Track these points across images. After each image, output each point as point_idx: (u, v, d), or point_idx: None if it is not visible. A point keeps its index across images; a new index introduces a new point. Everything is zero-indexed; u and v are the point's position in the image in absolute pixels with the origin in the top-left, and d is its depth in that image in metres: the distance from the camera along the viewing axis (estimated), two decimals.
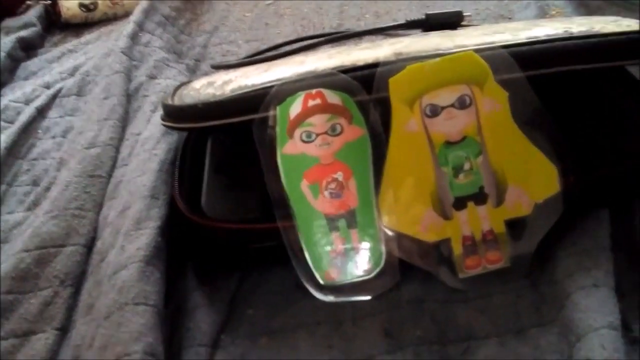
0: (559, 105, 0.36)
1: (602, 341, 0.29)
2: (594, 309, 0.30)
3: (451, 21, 0.45)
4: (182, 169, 0.42)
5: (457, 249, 0.35)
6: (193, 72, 0.60)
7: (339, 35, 0.47)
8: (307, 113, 0.35)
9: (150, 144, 0.43)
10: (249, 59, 0.52)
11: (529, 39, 0.36)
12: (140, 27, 0.61)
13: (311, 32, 0.63)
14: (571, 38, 0.35)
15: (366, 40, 0.50)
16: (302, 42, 0.52)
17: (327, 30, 0.63)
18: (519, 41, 0.35)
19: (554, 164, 0.35)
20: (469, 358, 0.32)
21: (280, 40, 0.61)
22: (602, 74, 0.40)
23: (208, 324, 0.35)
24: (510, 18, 0.62)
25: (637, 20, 0.39)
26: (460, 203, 0.35)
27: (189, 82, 0.42)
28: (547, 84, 0.35)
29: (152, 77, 0.54)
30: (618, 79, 0.42)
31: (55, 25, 0.73)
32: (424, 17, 0.46)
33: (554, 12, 0.63)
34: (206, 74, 0.54)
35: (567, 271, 0.34)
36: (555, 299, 0.33)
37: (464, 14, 0.45)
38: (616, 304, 0.31)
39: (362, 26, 0.63)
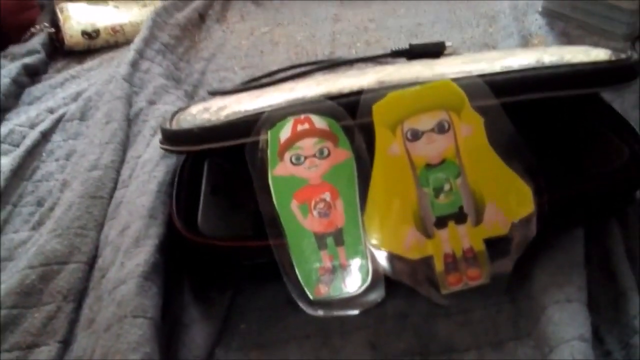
0: (533, 129, 0.39)
1: (572, 352, 0.31)
2: (566, 322, 0.32)
3: (434, 50, 0.47)
4: (180, 190, 0.44)
5: (439, 266, 0.37)
6: (191, 97, 0.62)
7: (328, 63, 0.50)
8: (296, 137, 0.37)
9: (149, 167, 0.45)
10: (244, 86, 0.54)
11: (503, 68, 0.38)
12: (140, 54, 0.64)
13: (304, 60, 0.66)
14: (542, 68, 0.38)
15: (355, 68, 0.53)
16: (295, 70, 0.55)
17: (319, 58, 0.66)
18: (493, 70, 0.38)
19: (528, 184, 0.37)
20: None
21: (274, 67, 0.64)
22: (575, 99, 0.42)
23: (202, 338, 0.37)
24: (494, 47, 0.65)
25: (605, 50, 0.42)
26: (441, 222, 0.37)
27: (186, 107, 0.45)
28: (522, 109, 0.37)
29: (151, 103, 0.56)
30: (591, 104, 0.44)
31: (59, 52, 0.76)
32: (408, 47, 0.49)
33: (535, 42, 0.67)
34: (203, 99, 0.56)
35: (543, 287, 0.36)
36: (531, 313, 0.35)
37: (446, 44, 0.48)
38: (587, 317, 0.33)
39: (353, 54, 0.66)
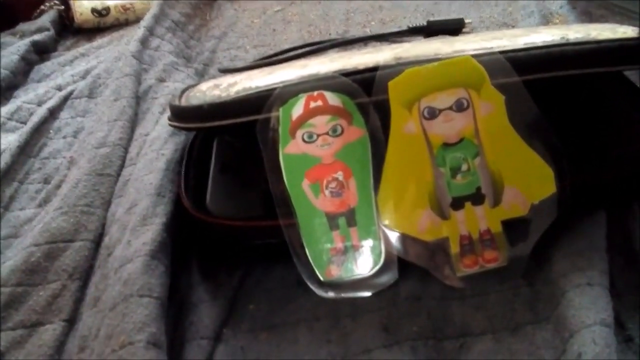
0: (557, 109, 0.37)
1: (594, 337, 0.29)
2: (587, 307, 0.31)
3: (452, 28, 0.46)
4: (188, 168, 0.43)
5: (455, 248, 0.36)
6: (201, 75, 0.61)
7: (343, 41, 0.48)
8: (308, 114, 0.36)
9: (157, 144, 0.45)
10: (256, 63, 0.53)
11: (526, 44, 0.37)
12: (150, 32, 0.63)
13: (317, 38, 0.64)
14: (567, 44, 0.36)
15: (370, 46, 0.51)
16: (308, 48, 0.53)
17: (333, 37, 0.64)
18: (515, 47, 0.36)
19: (550, 165, 0.35)
20: (464, 353, 0.33)
21: (286, 46, 0.62)
22: (599, 78, 0.41)
23: (210, 318, 0.36)
24: (513, 26, 0.63)
25: (634, 27, 0.40)
26: (457, 203, 0.36)
27: (196, 84, 0.44)
28: (545, 88, 0.35)
29: (161, 80, 0.55)
30: (615, 84, 0.43)
31: (68, 29, 0.75)
32: (425, 24, 0.47)
33: (556, 21, 0.64)
34: (214, 77, 0.55)
35: (563, 270, 0.34)
36: (550, 297, 0.34)
37: (466, 21, 0.46)
38: (609, 302, 0.32)
39: (367, 33, 0.65)
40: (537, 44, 0.37)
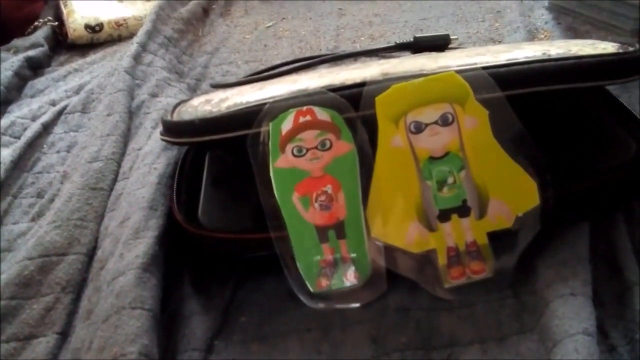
0: (542, 123, 0.38)
1: (576, 346, 0.30)
2: (571, 316, 0.32)
3: (438, 44, 0.47)
4: (180, 182, 0.43)
5: (442, 259, 0.37)
6: (194, 91, 0.62)
7: (332, 56, 0.49)
8: (298, 129, 0.37)
9: (150, 159, 0.45)
10: (247, 79, 0.54)
11: (509, 60, 0.38)
12: (143, 48, 0.64)
13: (308, 54, 0.66)
14: (548, 60, 0.37)
15: (359, 62, 0.52)
16: (298, 63, 0.55)
17: (323, 52, 0.65)
18: (498, 63, 0.37)
19: (534, 178, 0.36)
20: None
21: (278, 61, 0.63)
22: (582, 93, 0.42)
23: (202, 330, 0.37)
24: (500, 41, 0.64)
25: (614, 44, 0.41)
26: (444, 215, 0.37)
27: (188, 99, 0.45)
28: (528, 102, 0.37)
29: (153, 96, 0.56)
30: (598, 99, 0.44)
31: (62, 45, 0.76)
32: (412, 40, 0.48)
33: (542, 36, 0.66)
34: (206, 92, 0.56)
35: (547, 281, 0.35)
36: (535, 307, 0.35)
37: (451, 37, 0.48)
38: (592, 311, 0.33)
39: (357, 48, 0.66)
40: (519, 59, 0.38)
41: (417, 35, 0.49)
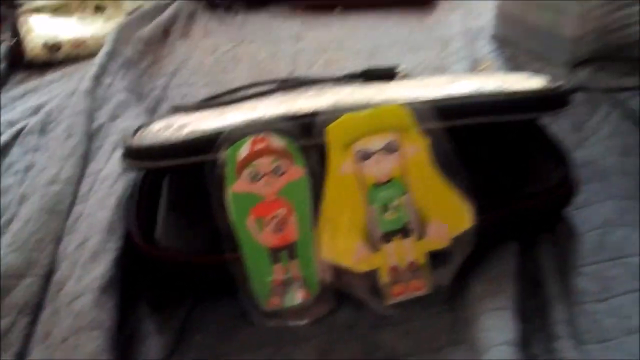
0: (474, 152, 0.42)
1: (500, 355, 0.33)
2: (496, 328, 0.35)
3: (387, 74, 0.51)
4: (139, 205, 0.45)
5: (385, 278, 0.40)
6: (153, 113, 0.64)
7: (288, 84, 0.52)
8: (254, 155, 0.39)
9: (109, 182, 0.47)
10: (206, 102, 0.56)
11: (449, 94, 0.41)
12: (103, 69, 0.65)
13: (266, 78, 0.68)
14: (482, 95, 0.41)
15: (313, 89, 0.55)
16: (255, 88, 0.57)
17: (280, 76, 0.68)
18: (439, 96, 0.41)
19: (468, 202, 0.40)
20: None
21: (236, 84, 0.66)
22: (512, 124, 0.46)
23: (157, 350, 0.38)
24: (445, 70, 0.69)
25: (542, 79, 0.45)
26: (387, 237, 0.40)
27: (148, 124, 0.46)
28: (465, 133, 0.40)
29: (113, 118, 0.57)
30: (527, 129, 0.48)
31: (19, 64, 0.76)
32: (361, 71, 0.52)
33: (484, 65, 0.71)
34: (167, 116, 0.58)
35: (478, 296, 0.39)
36: (467, 320, 0.38)
37: (398, 68, 0.51)
38: (516, 324, 0.36)
39: (313, 73, 0.69)
40: (457, 94, 0.42)
41: (366, 67, 0.53)
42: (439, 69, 0.69)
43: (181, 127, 0.43)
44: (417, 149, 0.40)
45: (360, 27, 0.81)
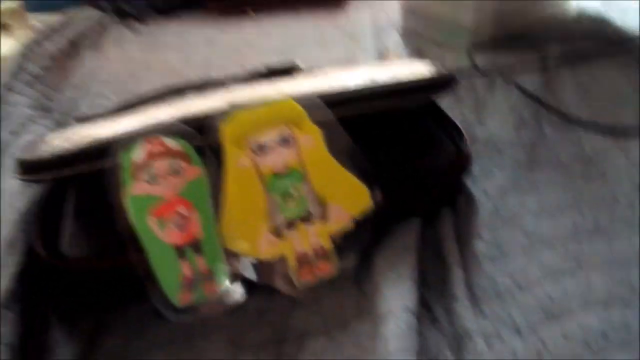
0: (374, 134, 0.44)
1: (397, 322, 0.35)
2: (394, 297, 0.37)
3: (288, 71, 0.52)
4: (42, 216, 0.44)
5: (293, 263, 0.41)
6: (62, 126, 0.62)
7: (181, 88, 0.53)
8: (149, 158, 0.40)
9: (10, 197, 0.46)
10: (108, 112, 0.55)
11: (339, 86, 0.43)
12: (8, 88, 0.64)
13: (183, 82, 0.68)
14: (371, 86, 0.43)
15: (212, 90, 0.56)
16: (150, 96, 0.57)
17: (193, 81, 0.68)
18: (329, 88, 0.43)
19: (365, 184, 0.42)
20: (301, 353, 0.37)
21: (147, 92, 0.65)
22: (411, 107, 0.48)
23: (68, 358, 0.38)
24: (355, 63, 0.71)
25: (430, 66, 0.48)
26: (291, 224, 0.41)
27: (44, 137, 0.46)
28: (359, 119, 0.42)
29: (15, 134, 0.56)
30: (425, 110, 0.51)
31: None
32: (264, 69, 0.54)
33: (391, 57, 0.74)
34: (64, 128, 0.57)
35: (381, 270, 0.41)
36: (372, 294, 0.40)
37: (299, 64, 0.53)
38: (414, 291, 0.38)
39: (227, 74, 0.69)
40: (348, 85, 0.44)
41: (268, 64, 0.54)
42: (349, 63, 0.71)
43: (77, 136, 0.43)
44: (311, 139, 0.41)
45: (273, 28, 0.83)
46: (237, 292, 0.41)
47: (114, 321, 0.41)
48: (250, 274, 0.40)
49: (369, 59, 0.71)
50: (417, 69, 0.48)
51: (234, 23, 0.84)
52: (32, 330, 0.39)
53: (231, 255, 0.41)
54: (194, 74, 0.72)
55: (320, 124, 0.41)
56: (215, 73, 0.71)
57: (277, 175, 0.41)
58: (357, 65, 0.62)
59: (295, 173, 0.41)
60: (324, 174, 0.42)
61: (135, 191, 0.40)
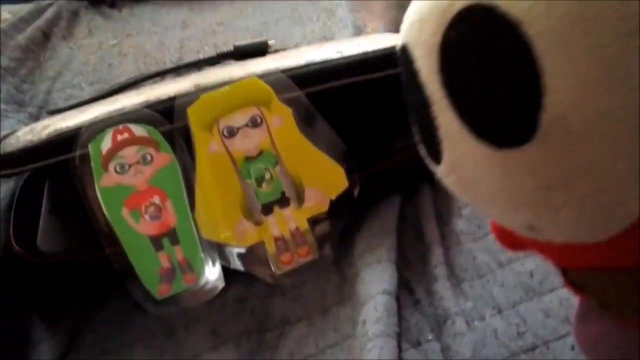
0: (344, 113, 0.43)
1: (376, 305, 0.35)
2: (373, 281, 0.37)
3: (258, 50, 0.51)
4: (18, 214, 0.44)
5: (271, 249, 0.40)
6: (36, 119, 0.61)
7: (151, 74, 0.51)
8: (117, 147, 0.39)
9: None
10: (80, 102, 0.54)
11: (306, 62, 0.42)
12: None
13: (153, 69, 0.67)
14: (340, 58, 0.42)
15: (180, 76, 0.55)
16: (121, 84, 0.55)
17: (167, 66, 0.67)
18: (296, 65, 0.41)
19: (340, 164, 0.41)
20: (283, 341, 0.37)
21: (122, 80, 0.64)
22: (377, 82, 0.47)
23: (50, 355, 0.38)
24: (331, 39, 0.69)
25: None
26: (267, 209, 0.40)
27: (13, 131, 0.45)
28: (332, 96, 0.41)
29: None
30: (396, 86, 0.49)
31: None
32: (233, 49, 0.52)
33: (369, 30, 0.72)
34: (35, 121, 0.56)
35: (360, 252, 0.40)
36: (352, 278, 0.39)
37: (269, 42, 0.51)
38: (393, 274, 0.38)
39: (200, 57, 0.68)
40: (315, 60, 0.42)
41: (236, 44, 0.52)
42: (325, 39, 0.69)
43: (44, 128, 0.41)
44: (281, 119, 0.40)
45: (248, 6, 0.81)
46: (216, 280, 0.40)
47: (95, 316, 0.40)
48: (235, 263, 0.39)
49: (346, 33, 0.69)
50: (391, 41, 0.47)
51: (207, 4, 0.82)
52: (13, 328, 0.39)
53: (207, 243, 0.40)
54: (168, 59, 0.70)
55: (289, 102, 0.40)
56: (189, 56, 0.70)
57: (249, 158, 0.40)
58: (332, 41, 0.61)
59: (267, 156, 0.40)
60: (297, 155, 0.41)
61: (106, 182, 0.39)
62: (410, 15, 0.21)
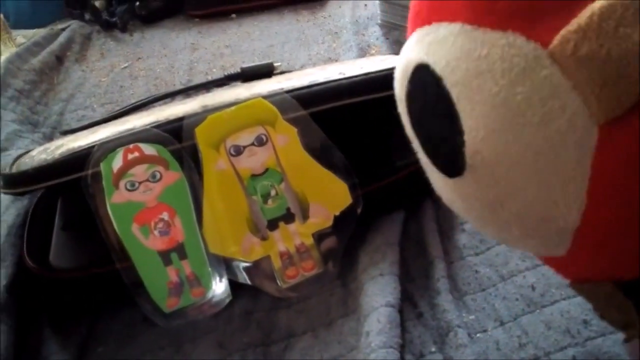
0: (348, 132, 0.44)
1: (379, 317, 0.36)
2: (377, 293, 0.38)
3: (264, 72, 0.52)
4: (32, 230, 0.45)
5: (277, 263, 0.41)
6: (50, 139, 0.63)
7: (162, 95, 0.53)
8: (127, 165, 0.40)
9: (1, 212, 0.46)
10: (92, 123, 0.56)
11: (310, 82, 0.43)
12: None
13: (163, 90, 0.69)
14: (342, 79, 0.43)
15: (189, 97, 0.56)
16: (132, 105, 0.57)
17: (177, 88, 0.69)
18: (301, 85, 0.43)
19: (344, 180, 0.42)
20: (288, 353, 0.38)
21: (133, 101, 0.66)
22: (382, 102, 0.49)
23: None
24: (336, 60, 0.71)
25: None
26: (272, 224, 0.42)
27: (28, 151, 0.46)
28: (334, 116, 0.42)
29: (3, 150, 0.56)
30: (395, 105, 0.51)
31: None
32: (239, 71, 0.54)
33: (373, 51, 0.74)
34: (49, 141, 0.58)
35: (364, 266, 0.41)
36: (356, 291, 0.40)
37: (275, 64, 0.53)
38: (396, 287, 0.38)
39: (209, 79, 0.70)
40: (318, 81, 0.44)
41: (243, 66, 0.54)
42: (331, 61, 0.71)
43: (57, 148, 0.43)
44: (286, 138, 0.42)
45: (255, 29, 0.83)
46: (223, 294, 0.41)
47: (105, 329, 0.41)
48: (242, 277, 0.40)
49: (351, 55, 0.71)
50: (387, 60, 0.48)
51: (216, 26, 0.85)
52: (25, 341, 0.40)
53: (215, 258, 0.41)
54: (178, 80, 0.72)
55: (293, 121, 0.42)
56: (198, 78, 0.72)
57: (255, 176, 0.42)
58: (335, 63, 0.62)
59: (273, 173, 0.42)
60: (301, 172, 0.42)
61: (117, 199, 0.40)
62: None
